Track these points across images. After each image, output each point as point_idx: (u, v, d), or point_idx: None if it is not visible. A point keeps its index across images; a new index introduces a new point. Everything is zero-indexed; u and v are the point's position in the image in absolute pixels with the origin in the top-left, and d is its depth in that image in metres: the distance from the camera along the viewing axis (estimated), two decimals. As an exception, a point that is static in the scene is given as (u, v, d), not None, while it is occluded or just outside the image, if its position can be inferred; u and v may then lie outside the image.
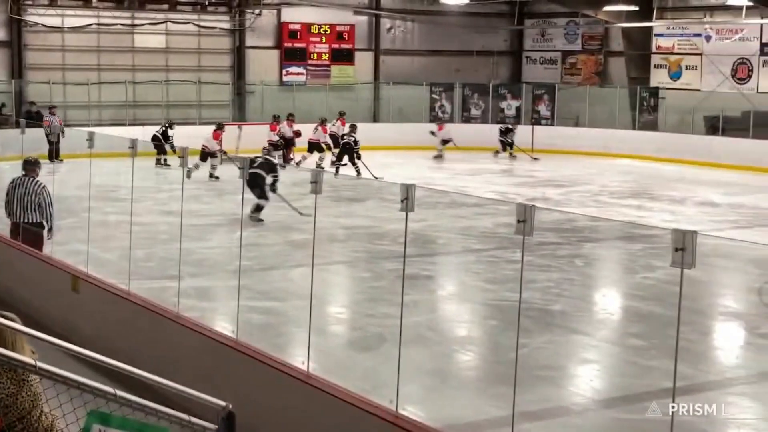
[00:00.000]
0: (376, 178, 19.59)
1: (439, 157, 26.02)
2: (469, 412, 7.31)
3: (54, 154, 21.10)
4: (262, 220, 14.91)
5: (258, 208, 14.93)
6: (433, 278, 12.07)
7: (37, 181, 10.33)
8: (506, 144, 26.89)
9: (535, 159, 25.78)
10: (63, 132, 21.19)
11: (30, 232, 10.26)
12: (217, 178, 20.06)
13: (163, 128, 23.14)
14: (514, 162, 25.74)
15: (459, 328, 10.04)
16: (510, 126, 27.38)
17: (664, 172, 23.64)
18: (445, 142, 26.65)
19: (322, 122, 23.37)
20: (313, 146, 22.76)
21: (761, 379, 8.50)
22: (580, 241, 14.69)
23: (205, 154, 20.30)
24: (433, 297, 11.00)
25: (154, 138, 22.29)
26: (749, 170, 21.92)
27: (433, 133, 26.84)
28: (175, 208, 12.47)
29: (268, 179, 15.16)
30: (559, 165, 24.17)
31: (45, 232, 10.28)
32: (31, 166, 10.44)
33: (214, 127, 21.53)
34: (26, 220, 10.19)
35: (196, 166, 19.29)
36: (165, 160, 22.07)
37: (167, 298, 8.23)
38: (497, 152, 26.91)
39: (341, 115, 25.51)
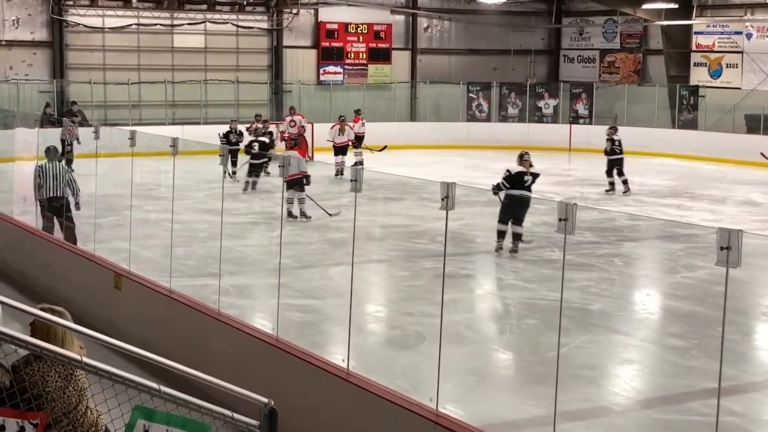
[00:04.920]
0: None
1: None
2: (508, 411, 7.30)
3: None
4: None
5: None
6: (472, 277, 12.05)
7: (60, 164, 12.03)
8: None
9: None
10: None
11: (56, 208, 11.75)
12: None
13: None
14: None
15: (497, 326, 10.02)
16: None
17: (704, 171, 23.38)
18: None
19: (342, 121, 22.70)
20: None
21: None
22: (620, 240, 14.58)
23: None
24: (471, 296, 10.98)
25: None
26: (791, 169, 21.61)
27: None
28: (214, 207, 12.56)
29: None
30: (597, 164, 23.96)
31: (73, 206, 11.79)
32: (52, 153, 12.12)
33: None
34: (60, 195, 11.66)
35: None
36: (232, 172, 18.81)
37: (207, 296, 8.30)
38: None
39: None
